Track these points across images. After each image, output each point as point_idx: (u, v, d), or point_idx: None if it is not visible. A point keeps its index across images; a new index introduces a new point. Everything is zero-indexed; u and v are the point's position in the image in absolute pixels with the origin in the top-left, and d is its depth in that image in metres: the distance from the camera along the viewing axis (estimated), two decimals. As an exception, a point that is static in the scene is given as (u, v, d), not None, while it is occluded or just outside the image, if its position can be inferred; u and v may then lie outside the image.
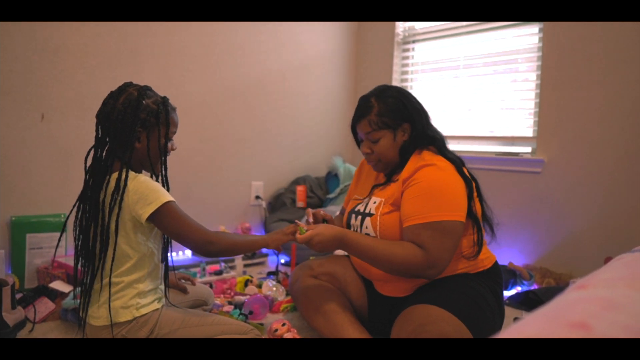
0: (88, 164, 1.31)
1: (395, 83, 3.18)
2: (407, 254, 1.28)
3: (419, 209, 1.31)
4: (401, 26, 3.17)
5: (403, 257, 1.29)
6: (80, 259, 1.30)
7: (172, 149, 1.37)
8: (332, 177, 3.11)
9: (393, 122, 1.44)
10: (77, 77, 2.16)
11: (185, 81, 2.53)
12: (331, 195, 2.96)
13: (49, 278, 1.95)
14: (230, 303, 1.89)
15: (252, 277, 2.19)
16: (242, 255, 2.51)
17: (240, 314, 1.72)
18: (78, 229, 1.29)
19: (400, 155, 1.47)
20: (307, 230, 1.34)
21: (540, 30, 2.49)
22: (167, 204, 1.22)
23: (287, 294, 2.05)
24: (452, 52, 2.94)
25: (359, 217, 1.49)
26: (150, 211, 1.20)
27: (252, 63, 2.82)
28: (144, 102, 1.27)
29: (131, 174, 1.25)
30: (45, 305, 1.72)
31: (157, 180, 1.35)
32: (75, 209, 1.31)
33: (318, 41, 3.17)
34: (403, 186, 1.38)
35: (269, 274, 2.39)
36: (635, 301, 0.53)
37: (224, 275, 2.29)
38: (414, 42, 3.14)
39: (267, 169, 2.97)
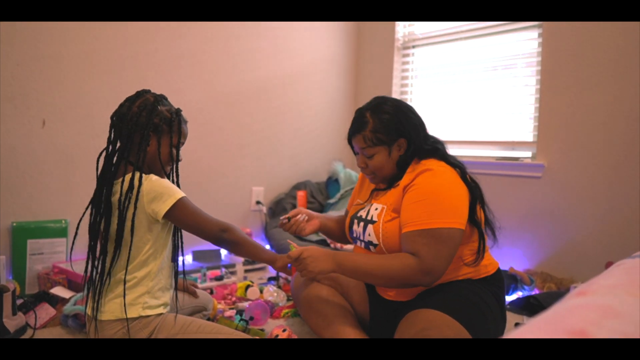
0: (100, 164, 1.35)
1: (395, 88, 3.19)
2: (401, 265, 1.28)
3: (415, 215, 1.31)
4: (401, 31, 3.18)
5: (397, 268, 1.28)
6: (92, 259, 1.34)
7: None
8: (332, 182, 3.11)
9: (388, 139, 1.42)
10: (78, 83, 2.16)
11: (186, 87, 2.53)
12: (332, 200, 2.97)
13: (49, 284, 1.96)
14: (231, 309, 1.89)
15: (252, 282, 2.19)
16: (242, 261, 2.51)
17: (241, 319, 1.72)
18: (91, 230, 1.33)
19: (398, 167, 1.46)
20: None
21: (540, 35, 2.50)
22: (182, 199, 1.29)
23: (288, 300, 2.05)
24: (451, 57, 2.95)
25: (361, 224, 1.48)
26: (167, 208, 1.27)
27: (253, 69, 2.83)
28: (159, 107, 1.33)
29: (143, 175, 1.30)
30: (46, 311, 1.72)
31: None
32: (87, 211, 1.35)
33: (318, 47, 3.18)
34: (404, 192, 1.38)
35: (270, 279, 2.38)
36: (634, 308, 0.53)
37: (225, 280, 2.28)
38: (413, 47, 3.15)
39: (267, 175, 2.97)
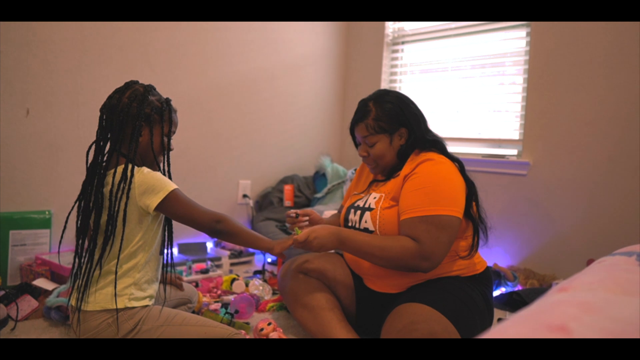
0: (90, 157, 1.34)
1: (383, 84, 3.19)
2: (401, 247, 1.31)
3: (416, 202, 1.34)
4: (390, 27, 3.18)
5: (398, 251, 1.31)
6: (80, 250, 1.33)
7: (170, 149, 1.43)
8: (319, 177, 3.12)
9: (390, 127, 1.47)
10: (63, 72, 2.13)
11: (174, 79, 2.51)
12: (319, 195, 2.97)
13: (32, 275, 1.93)
14: (217, 302, 1.89)
15: (238, 275, 2.18)
16: (228, 254, 2.51)
17: (227, 313, 1.71)
18: (80, 221, 1.33)
19: (398, 158, 1.50)
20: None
21: (528, 34, 2.52)
22: (174, 191, 1.28)
23: (273, 293, 2.05)
24: (440, 54, 2.96)
25: (358, 212, 1.51)
26: (158, 200, 1.26)
27: (241, 62, 2.81)
28: (149, 97, 1.33)
29: (135, 167, 1.29)
30: (28, 303, 1.70)
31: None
32: (76, 203, 1.34)
33: (307, 41, 3.17)
34: (404, 181, 1.41)
35: (256, 272, 2.38)
36: (613, 305, 0.54)
37: (210, 273, 2.28)
38: (403, 43, 3.16)
39: (254, 168, 2.96)
